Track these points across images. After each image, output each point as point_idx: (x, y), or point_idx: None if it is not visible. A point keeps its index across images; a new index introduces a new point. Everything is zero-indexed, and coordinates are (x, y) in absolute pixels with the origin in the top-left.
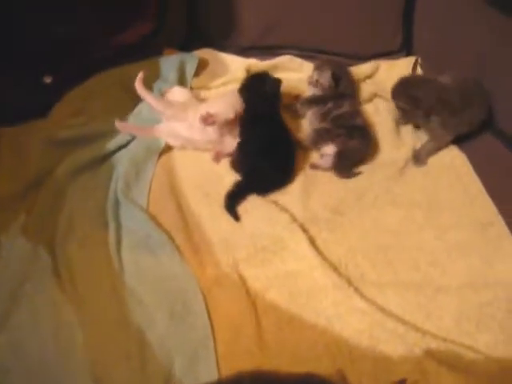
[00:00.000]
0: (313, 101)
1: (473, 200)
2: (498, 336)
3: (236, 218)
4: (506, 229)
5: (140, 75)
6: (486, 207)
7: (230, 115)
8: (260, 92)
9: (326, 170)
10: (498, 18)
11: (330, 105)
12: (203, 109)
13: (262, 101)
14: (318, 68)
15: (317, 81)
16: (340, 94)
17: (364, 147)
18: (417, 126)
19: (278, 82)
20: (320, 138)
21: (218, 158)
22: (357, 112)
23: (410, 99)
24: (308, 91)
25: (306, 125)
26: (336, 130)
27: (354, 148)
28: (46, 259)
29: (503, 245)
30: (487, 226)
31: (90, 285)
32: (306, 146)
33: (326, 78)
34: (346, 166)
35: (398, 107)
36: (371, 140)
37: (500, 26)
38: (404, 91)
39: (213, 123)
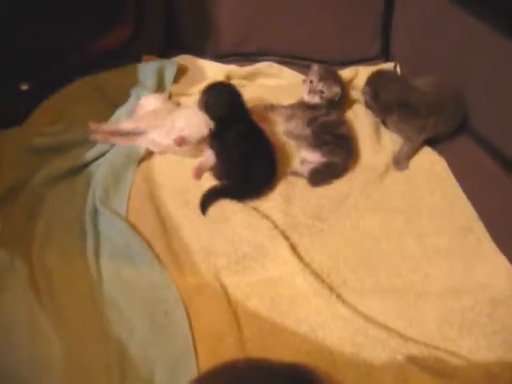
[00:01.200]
0: (306, 106)
1: (453, 205)
2: (481, 341)
3: (203, 212)
4: (485, 233)
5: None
6: (465, 212)
7: (204, 132)
8: (219, 102)
9: (306, 177)
10: (472, 22)
11: (321, 111)
12: (175, 130)
13: (223, 109)
14: (322, 79)
15: (321, 92)
16: (332, 102)
17: (346, 162)
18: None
19: (233, 89)
20: (306, 142)
21: (198, 174)
22: (343, 121)
23: (371, 91)
24: (304, 95)
25: (288, 128)
26: (323, 136)
27: (336, 163)
28: (22, 269)
29: (483, 249)
30: (467, 231)
31: (68, 295)
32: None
33: (333, 92)
34: (323, 180)
35: (363, 94)
36: (353, 154)
37: (473, 30)
38: (370, 82)
39: (186, 144)
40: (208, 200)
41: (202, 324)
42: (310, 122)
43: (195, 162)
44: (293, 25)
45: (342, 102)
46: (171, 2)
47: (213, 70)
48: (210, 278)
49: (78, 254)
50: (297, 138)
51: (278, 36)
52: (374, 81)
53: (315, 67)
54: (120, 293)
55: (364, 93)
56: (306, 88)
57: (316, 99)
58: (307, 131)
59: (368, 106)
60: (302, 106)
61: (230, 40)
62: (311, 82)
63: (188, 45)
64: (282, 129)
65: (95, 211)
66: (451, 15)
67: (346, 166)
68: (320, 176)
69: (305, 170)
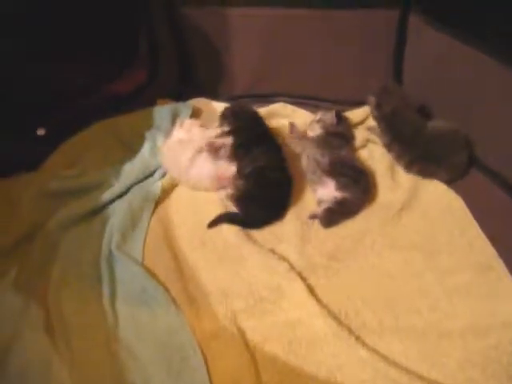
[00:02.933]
0: (317, 141)
1: (471, 243)
2: (505, 381)
3: (212, 224)
4: (505, 271)
5: None
6: (484, 250)
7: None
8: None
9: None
10: (480, 58)
11: (334, 143)
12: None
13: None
14: (321, 113)
15: (319, 119)
16: (341, 134)
17: (361, 201)
18: None
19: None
20: (319, 176)
21: (220, 182)
22: (355, 157)
23: (375, 101)
24: (308, 132)
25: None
26: (339, 167)
27: (350, 201)
28: (37, 314)
29: (504, 287)
30: (487, 269)
31: (84, 341)
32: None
33: (329, 116)
34: (335, 221)
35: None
36: (369, 191)
37: (482, 66)
38: (380, 93)
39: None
40: (219, 220)
41: (219, 369)
42: (323, 157)
43: (210, 203)
44: (305, 66)
45: (350, 136)
46: (185, 47)
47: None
48: (227, 321)
49: (94, 298)
50: (313, 170)
51: (291, 77)
52: (382, 92)
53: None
54: (136, 338)
55: (370, 103)
56: (311, 125)
57: (317, 128)
58: (324, 159)
59: (373, 116)
60: (310, 142)
61: (243, 82)
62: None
63: (202, 88)
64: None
65: (111, 255)
66: (460, 54)
67: (360, 205)
68: (333, 216)
69: (322, 210)
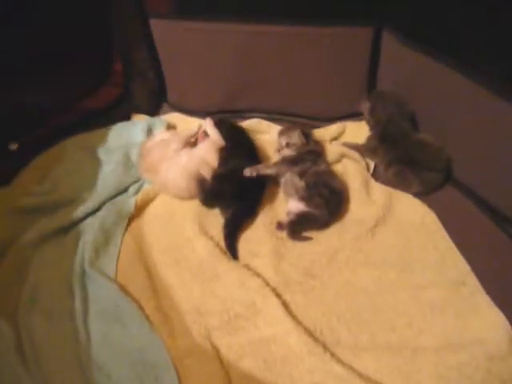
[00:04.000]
0: (291, 160)
1: (444, 257)
2: None
3: (235, 256)
4: (478, 286)
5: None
6: (457, 265)
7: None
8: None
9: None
10: (453, 75)
11: (308, 164)
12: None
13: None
14: (283, 133)
15: (287, 144)
16: (313, 152)
17: (327, 216)
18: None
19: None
20: (297, 195)
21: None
22: (333, 172)
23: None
24: (277, 156)
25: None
26: (318, 188)
27: (314, 214)
28: (7, 333)
29: (477, 302)
30: (460, 284)
31: (55, 359)
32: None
33: (295, 137)
34: (299, 232)
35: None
36: (340, 209)
37: (454, 82)
38: (376, 97)
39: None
40: (232, 243)
41: None
42: (302, 175)
43: (185, 221)
44: (280, 82)
45: (320, 151)
46: (159, 63)
47: (211, 129)
48: (202, 339)
49: (66, 316)
50: (289, 190)
51: (266, 93)
52: (376, 97)
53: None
54: (109, 356)
55: (363, 108)
56: (276, 151)
57: (285, 151)
58: (301, 184)
59: (366, 120)
60: (286, 161)
61: (218, 98)
62: (278, 143)
63: (176, 103)
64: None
65: (83, 272)
66: (433, 71)
67: (323, 221)
68: (297, 228)
69: (287, 221)
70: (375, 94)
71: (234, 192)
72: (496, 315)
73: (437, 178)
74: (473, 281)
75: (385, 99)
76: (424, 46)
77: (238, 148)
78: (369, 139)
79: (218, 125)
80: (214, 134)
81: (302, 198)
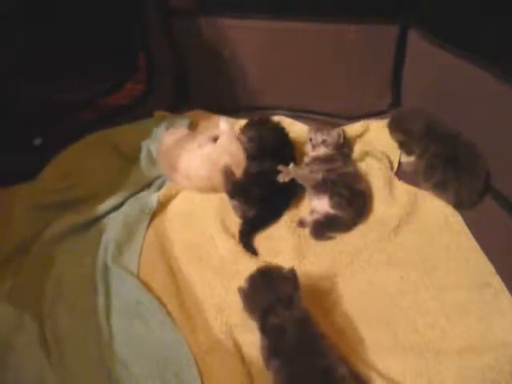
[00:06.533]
0: (324, 160)
1: (468, 258)
2: None
3: (254, 252)
4: (503, 287)
5: None
6: (481, 266)
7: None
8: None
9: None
10: (479, 73)
11: (338, 163)
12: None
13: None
14: (320, 130)
15: (324, 141)
16: (345, 154)
17: (353, 220)
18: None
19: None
20: (323, 185)
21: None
22: (360, 175)
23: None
24: (311, 153)
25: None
26: (341, 188)
27: (341, 218)
28: (31, 327)
29: (501, 304)
30: (484, 286)
31: (78, 355)
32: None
33: (335, 135)
34: (324, 234)
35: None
36: (364, 212)
37: (481, 81)
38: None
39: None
40: (247, 239)
41: None
42: (330, 172)
43: (207, 218)
44: (303, 79)
45: (348, 153)
46: (182, 59)
47: (225, 125)
48: (223, 336)
49: (89, 311)
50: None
51: (289, 91)
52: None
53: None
54: (130, 352)
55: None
56: (309, 147)
57: (322, 150)
58: (319, 176)
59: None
60: (316, 160)
61: (240, 95)
62: (311, 139)
63: (199, 100)
64: None
65: (106, 268)
66: (459, 68)
67: (351, 224)
68: (322, 229)
69: (311, 219)
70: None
71: (262, 195)
72: None
73: (475, 189)
74: (497, 282)
75: (414, 113)
76: (451, 45)
77: (273, 150)
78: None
79: (252, 125)
80: (230, 133)
81: (323, 194)
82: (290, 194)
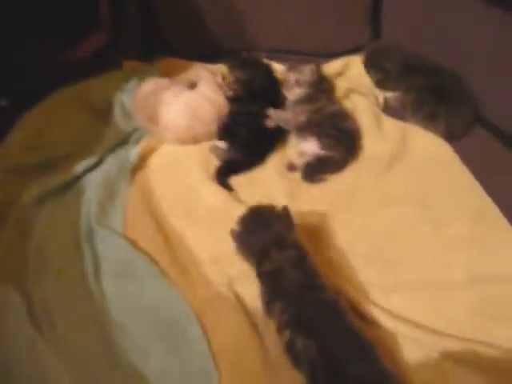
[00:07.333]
0: (305, 99)
1: (464, 189)
2: None
3: (229, 188)
4: (501, 217)
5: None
6: (478, 196)
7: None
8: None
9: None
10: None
11: (323, 102)
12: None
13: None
14: (292, 69)
15: (297, 80)
16: (326, 91)
17: (344, 159)
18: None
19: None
20: (308, 127)
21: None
22: (347, 114)
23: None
24: (288, 95)
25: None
26: (327, 128)
27: (333, 158)
28: (17, 299)
29: (502, 233)
30: (483, 216)
31: (71, 322)
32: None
33: (307, 72)
34: (316, 175)
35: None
36: (354, 151)
37: (465, 10)
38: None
39: None
40: (223, 176)
41: (220, 339)
42: (315, 113)
43: (190, 170)
44: (278, 18)
45: (329, 90)
46: (149, 3)
47: (203, 71)
48: (223, 288)
49: (77, 278)
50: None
51: (264, 31)
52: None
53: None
54: (128, 315)
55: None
56: (284, 90)
57: (296, 90)
58: (302, 118)
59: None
60: (298, 102)
61: (214, 38)
62: (285, 81)
63: (170, 46)
64: None
65: (90, 230)
66: None
67: (343, 163)
68: (314, 171)
69: (301, 163)
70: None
71: (249, 138)
72: None
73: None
74: (495, 212)
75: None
76: None
77: (262, 91)
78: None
79: (239, 65)
80: (210, 79)
81: (312, 136)
82: (276, 139)
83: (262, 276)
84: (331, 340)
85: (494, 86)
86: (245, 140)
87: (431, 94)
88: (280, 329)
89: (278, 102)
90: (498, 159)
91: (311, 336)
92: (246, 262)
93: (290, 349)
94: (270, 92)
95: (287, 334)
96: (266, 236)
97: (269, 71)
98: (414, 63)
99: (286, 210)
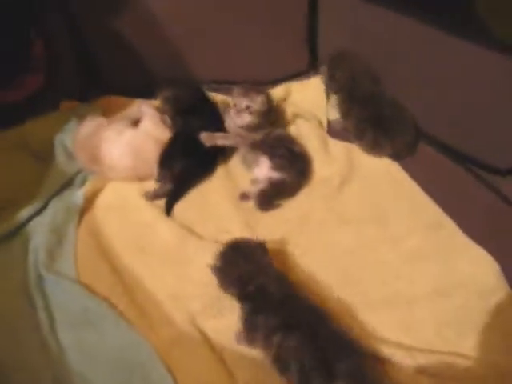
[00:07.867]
0: (253, 127)
1: (416, 204)
2: (480, 337)
3: (168, 211)
4: (455, 227)
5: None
6: (430, 210)
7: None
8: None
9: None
10: (393, 17)
11: (269, 129)
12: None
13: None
14: (244, 95)
15: (248, 107)
16: (272, 120)
17: (297, 183)
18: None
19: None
20: (261, 145)
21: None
22: (292, 138)
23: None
24: (236, 120)
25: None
26: (279, 149)
27: (285, 182)
28: None
29: (458, 243)
30: (438, 228)
31: (26, 379)
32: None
33: (259, 102)
34: (270, 202)
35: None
36: (306, 174)
37: (397, 25)
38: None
39: None
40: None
41: (187, 378)
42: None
43: (141, 206)
44: (216, 48)
45: (275, 120)
46: (84, 40)
47: (146, 107)
48: (186, 325)
49: (30, 331)
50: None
51: (201, 62)
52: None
53: (234, 89)
54: (88, 364)
55: (322, 73)
56: (232, 113)
57: (246, 117)
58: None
59: (326, 86)
60: (243, 132)
61: (152, 72)
62: (235, 104)
63: (110, 84)
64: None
65: (40, 278)
66: (375, 14)
67: (296, 187)
68: (268, 198)
69: (254, 190)
70: (334, 54)
71: (185, 167)
72: (478, 253)
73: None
74: (448, 223)
75: (345, 59)
76: None
77: (193, 106)
78: (338, 104)
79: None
80: (153, 115)
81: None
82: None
83: (245, 297)
84: (320, 340)
85: (436, 103)
86: (181, 171)
87: (371, 123)
88: (268, 337)
89: (213, 120)
90: (445, 173)
91: (301, 336)
92: (227, 293)
93: (279, 355)
94: (199, 108)
95: (278, 338)
96: (247, 264)
97: (197, 89)
98: (355, 88)
99: (262, 242)
